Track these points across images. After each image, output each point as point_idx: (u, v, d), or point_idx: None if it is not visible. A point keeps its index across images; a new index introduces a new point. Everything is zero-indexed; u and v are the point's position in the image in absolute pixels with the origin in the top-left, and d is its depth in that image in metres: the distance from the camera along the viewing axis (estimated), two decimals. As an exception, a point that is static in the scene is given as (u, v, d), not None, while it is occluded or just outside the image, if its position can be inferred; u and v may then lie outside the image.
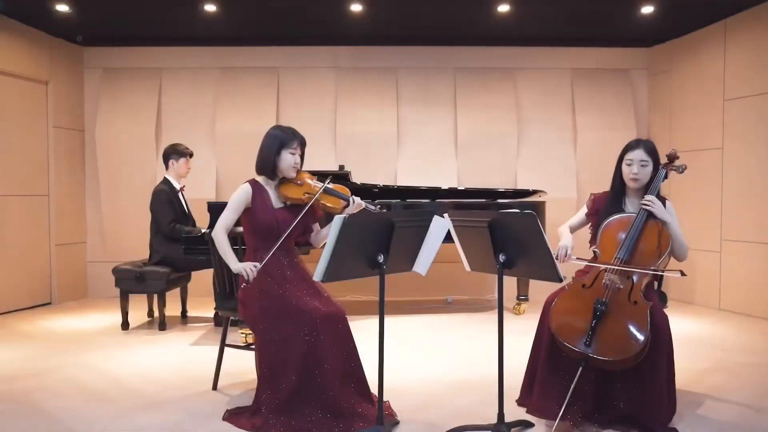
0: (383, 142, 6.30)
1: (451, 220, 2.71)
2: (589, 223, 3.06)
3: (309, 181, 2.94)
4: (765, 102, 5.13)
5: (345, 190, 2.94)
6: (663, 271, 2.76)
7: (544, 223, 5.20)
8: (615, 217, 2.88)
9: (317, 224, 3.07)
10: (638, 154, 2.87)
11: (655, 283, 2.94)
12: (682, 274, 2.53)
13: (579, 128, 6.39)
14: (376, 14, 5.52)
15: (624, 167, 2.92)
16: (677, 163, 2.96)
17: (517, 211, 2.49)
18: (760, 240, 5.16)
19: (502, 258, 2.56)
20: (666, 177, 2.91)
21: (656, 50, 6.39)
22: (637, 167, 2.87)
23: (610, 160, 3.09)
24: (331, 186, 2.92)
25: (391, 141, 6.31)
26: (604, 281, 2.71)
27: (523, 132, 6.41)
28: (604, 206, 2.97)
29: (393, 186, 5.35)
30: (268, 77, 6.38)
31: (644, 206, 2.79)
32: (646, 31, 6.07)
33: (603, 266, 2.75)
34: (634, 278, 2.69)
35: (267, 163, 2.89)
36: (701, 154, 5.73)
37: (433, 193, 5.35)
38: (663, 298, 3.18)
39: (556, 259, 2.74)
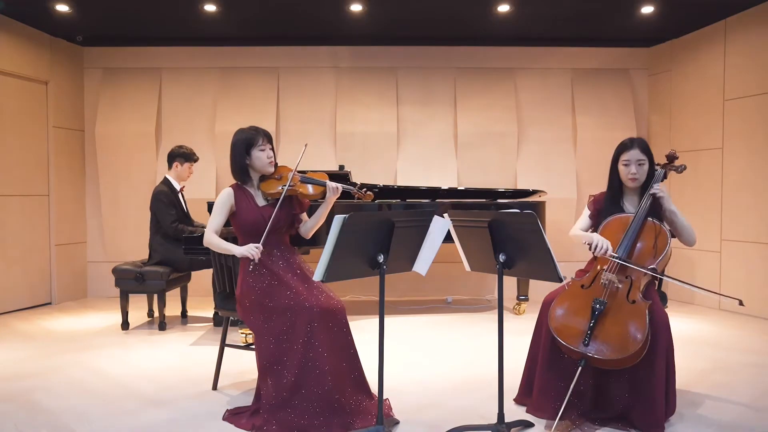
0: (383, 142, 6.30)
1: (451, 220, 2.71)
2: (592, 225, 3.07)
3: (288, 174, 2.95)
4: (765, 102, 5.13)
5: (322, 176, 2.97)
6: (721, 294, 2.74)
7: (544, 223, 5.19)
8: (614, 216, 2.88)
9: (305, 214, 3.10)
10: (635, 154, 2.87)
11: (656, 283, 2.93)
12: (741, 303, 2.54)
13: (579, 128, 6.39)
14: (376, 14, 5.52)
15: (621, 168, 2.92)
16: (676, 163, 2.96)
17: (517, 210, 2.49)
18: (760, 240, 5.16)
19: (502, 258, 2.56)
20: (665, 177, 2.91)
21: (656, 50, 6.39)
22: (635, 167, 2.87)
23: (610, 160, 3.10)
24: (305, 173, 2.95)
25: (391, 141, 6.31)
26: (602, 281, 2.70)
27: (523, 132, 6.41)
28: (604, 206, 2.98)
29: (393, 186, 5.34)
30: (268, 77, 6.38)
31: (654, 194, 2.79)
32: (646, 31, 6.07)
33: (643, 270, 2.67)
34: (632, 277, 2.69)
35: (240, 168, 2.91)
36: (701, 154, 5.73)
37: (433, 193, 5.35)
38: (663, 298, 3.18)
39: (594, 253, 2.72)
